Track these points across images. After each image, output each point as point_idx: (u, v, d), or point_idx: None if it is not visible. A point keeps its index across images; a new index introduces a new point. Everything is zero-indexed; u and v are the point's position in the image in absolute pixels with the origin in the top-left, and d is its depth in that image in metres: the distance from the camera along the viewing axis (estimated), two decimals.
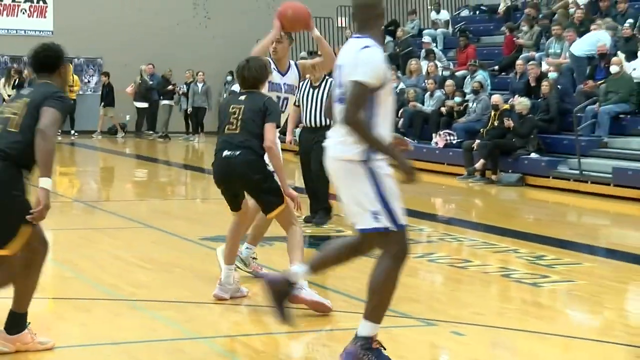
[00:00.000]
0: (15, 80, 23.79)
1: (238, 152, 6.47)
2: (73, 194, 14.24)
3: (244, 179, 6.52)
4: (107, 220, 11.16)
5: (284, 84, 7.34)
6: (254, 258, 7.60)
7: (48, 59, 5.48)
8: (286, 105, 7.35)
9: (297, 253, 6.49)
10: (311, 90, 10.69)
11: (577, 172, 14.92)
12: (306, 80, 10.60)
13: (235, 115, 6.55)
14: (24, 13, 25.38)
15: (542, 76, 16.80)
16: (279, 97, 7.26)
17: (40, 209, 5.04)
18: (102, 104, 24.92)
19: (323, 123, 10.27)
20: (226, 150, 6.52)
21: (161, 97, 25.01)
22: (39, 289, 7.45)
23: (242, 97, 6.66)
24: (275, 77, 7.27)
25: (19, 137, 5.16)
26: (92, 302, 6.83)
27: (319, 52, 7.76)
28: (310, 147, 10.35)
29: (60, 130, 24.63)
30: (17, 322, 5.45)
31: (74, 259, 8.51)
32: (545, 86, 16.16)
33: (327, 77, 10.50)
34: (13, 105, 5.29)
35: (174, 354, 5.64)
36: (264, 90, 6.88)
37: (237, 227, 6.86)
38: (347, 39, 24.33)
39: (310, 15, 7.14)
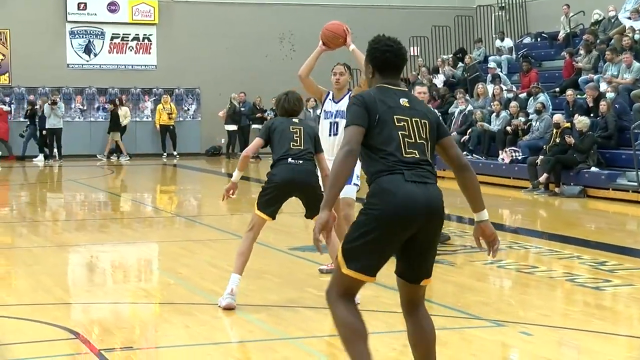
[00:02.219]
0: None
1: (301, 161, 6.74)
2: (175, 210, 14.43)
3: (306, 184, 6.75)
4: (205, 232, 11.26)
5: (337, 110, 7.52)
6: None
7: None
8: (336, 128, 7.51)
9: None
10: None
11: (635, 183, 14.59)
12: None
13: (297, 135, 6.81)
14: (131, 50, 25.87)
15: (600, 96, 16.50)
16: (330, 123, 7.53)
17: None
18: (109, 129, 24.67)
19: None
20: (290, 159, 6.73)
21: (251, 122, 25.23)
22: (146, 295, 7.58)
23: (296, 120, 6.93)
24: (327, 105, 7.49)
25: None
26: (193, 306, 6.88)
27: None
28: None
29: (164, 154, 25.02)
30: None
31: (177, 268, 8.61)
32: (603, 105, 15.87)
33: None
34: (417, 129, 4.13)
35: (266, 353, 5.65)
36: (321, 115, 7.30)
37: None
38: (419, 67, 24.34)
39: (346, 31, 7.18)
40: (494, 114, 18.85)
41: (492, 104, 19.33)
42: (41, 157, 23.72)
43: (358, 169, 7.26)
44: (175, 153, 24.97)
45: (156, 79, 25.93)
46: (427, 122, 4.12)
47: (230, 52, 25.87)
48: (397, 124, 4.04)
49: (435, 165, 4.16)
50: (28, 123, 24.03)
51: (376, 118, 4.04)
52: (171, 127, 25.13)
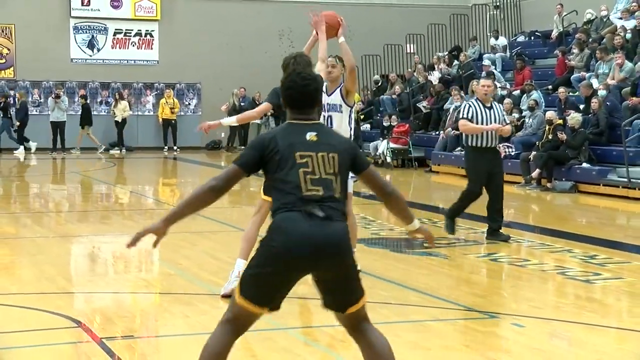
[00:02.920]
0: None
1: None
2: (175, 202, 14.39)
3: None
4: (205, 224, 11.23)
5: (328, 104, 7.27)
6: None
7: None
8: (330, 121, 7.25)
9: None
10: (486, 111, 9.65)
11: (625, 179, 14.60)
12: (476, 100, 9.77)
13: None
14: (133, 45, 25.83)
15: (592, 94, 16.50)
16: (323, 117, 7.21)
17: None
18: (80, 123, 24.08)
19: (495, 143, 9.65)
20: None
21: None
22: (147, 285, 7.58)
23: None
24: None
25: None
26: (193, 296, 6.87)
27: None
28: (491, 166, 9.57)
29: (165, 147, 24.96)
30: None
31: (177, 259, 8.60)
32: (594, 103, 15.87)
33: (492, 100, 9.91)
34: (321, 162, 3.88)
35: (264, 343, 5.64)
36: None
37: None
38: (415, 64, 24.32)
39: (340, 23, 7.12)
40: None
41: None
42: (22, 149, 23.39)
43: None
44: (175, 147, 24.94)
45: (158, 74, 25.90)
46: (335, 155, 3.86)
47: (230, 48, 25.83)
48: (298, 160, 3.82)
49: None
50: (1, 115, 23.62)
51: (277, 157, 3.84)
52: (173, 121, 25.10)
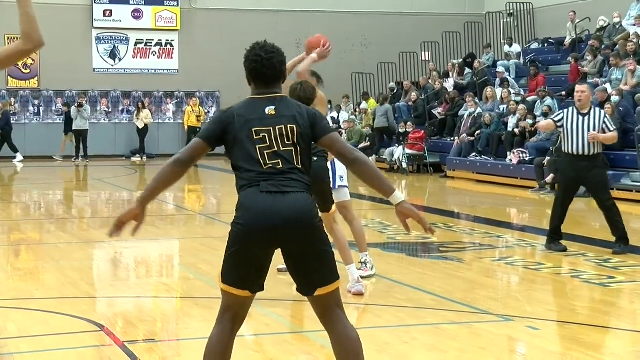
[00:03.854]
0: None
1: (315, 158, 6.96)
2: (197, 209, 14.44)
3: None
4: (224, 230, 11.22)
5: None
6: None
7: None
8: None
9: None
10: (580, 117, 9.04)
11: (639, 184, 14.52)
12: (572, 108, 9.14)
13: None
14: (154, 55, 25.96)
15: (607, 99, 16.40)
16: None
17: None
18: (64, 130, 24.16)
19: (590, 151, 9.02)
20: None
21: None
22: (167, 289, 7.59)
23: None
24: None
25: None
26: (212, 300, 6.87)
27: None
28: (583, 175, 9.08)
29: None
30: None
31: (197, 263, 8.62)
32: (608, 108, 15.76)
33: (593, 106, 9.34)
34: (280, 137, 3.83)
35: (282, 345, 5.65)
36: None
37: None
38: (430, 71, 24.28)
39: (319, 44, 7.22)
40: (511, 115, 18.57)
41: (500, 106, 19.24)
42: (19, 157, 23.36)
43: (342, 168, 7.22)
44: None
45: (178, 83, 26.01)
46: (294, 126, 3.79)
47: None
48: (255, 137, 3.77)
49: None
50: None
51: (233, 134, 3.81)
52: (198, 129, 25.16)
